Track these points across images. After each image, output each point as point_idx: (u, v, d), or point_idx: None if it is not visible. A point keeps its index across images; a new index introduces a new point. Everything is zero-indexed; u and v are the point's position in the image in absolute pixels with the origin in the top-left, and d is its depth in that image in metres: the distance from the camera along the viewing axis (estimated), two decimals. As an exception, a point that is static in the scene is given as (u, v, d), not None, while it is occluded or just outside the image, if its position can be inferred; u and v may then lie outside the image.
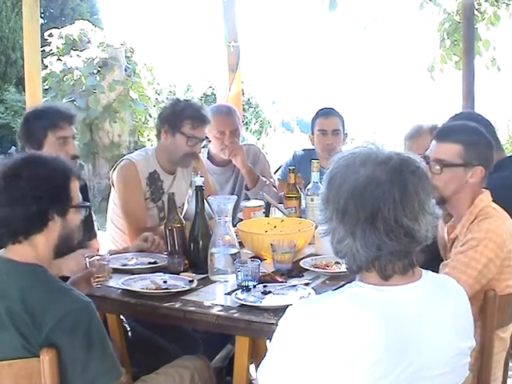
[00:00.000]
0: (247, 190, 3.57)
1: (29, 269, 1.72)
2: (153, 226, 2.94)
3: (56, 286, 1.73)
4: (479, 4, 6.19)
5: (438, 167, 2.12)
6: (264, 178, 3.59)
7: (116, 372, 1.73)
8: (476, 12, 5.91)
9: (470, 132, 2.19)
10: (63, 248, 1.85)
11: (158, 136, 3.08)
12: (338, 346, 1.31)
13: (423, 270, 1.46)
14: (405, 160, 1.38)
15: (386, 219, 1.32)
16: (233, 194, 3.53)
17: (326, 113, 3.64)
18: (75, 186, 1.83)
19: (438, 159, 2.13)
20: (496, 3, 6.25)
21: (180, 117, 2.98)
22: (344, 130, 3.65)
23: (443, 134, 2.21)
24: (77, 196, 1.83)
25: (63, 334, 1.63)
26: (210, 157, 3.62)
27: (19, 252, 1.74)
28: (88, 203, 1.98)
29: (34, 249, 1.75)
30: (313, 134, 3.67)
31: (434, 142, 2.21)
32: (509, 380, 2.25)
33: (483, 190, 2.18)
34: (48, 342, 1.63)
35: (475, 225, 2.09)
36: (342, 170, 1.39)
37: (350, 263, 1.40)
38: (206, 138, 3.16)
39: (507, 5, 6.30)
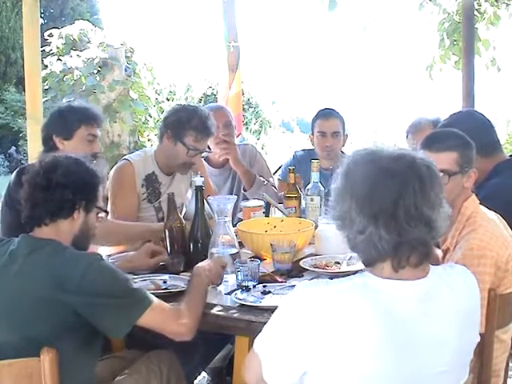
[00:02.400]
0: (245, 191, 3.57)
1: (47, 242, 1.88)
2: None
3: (71, 250, 1.89)
4: (479, 4, 6.18)
5: (445, 178, 2.09)
6: (262, 178, 3.59)
7: (148, 299, 1.87)
8: (476, 12, 5.91)
9: (458, 137, 2.19)
10: (80, 243, 1.97)
11: (160, 138, 3.07)
12: (336, 334, 1.32)
13: (432, 266, 1.46)
14: (417, 157, 1.43)
15: (407, 206, 1.35)
16: (231, 194, 3.53)
17: (326, 114, 3.63)
18: (101, 191, 2.03)
19: (441, 169, 2.06)
20: (496, 3, 6.24)
21: (185, 127, 2.96)
22: (344, 132, 3.64)
23: (435, 142, 2.18)
24: (100, 200, 2.03)
25: (91, 283, 1.77)
26: (206, 158, 3.61)
27: (42, 232, 1.91)
28: (106, 209, 2.14)
29: (57, 231, 1.91)
30: (313, 134, 3.67)
31: (424, 152, 2.13)
32: (509, 380, 2.24)
33: (470, 194, 2.17)
34: (80, 296, 1.76)
35: (464, 238, 2.06)
36: (359, 162, 1.42)
37: (370, 253, 1.39)
38: (208, 147, 3.16)
39: (507, 5, 6.29)
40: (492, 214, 2.15)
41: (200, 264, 2.19)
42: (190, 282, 2.10)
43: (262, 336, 1.44)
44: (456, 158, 2.12)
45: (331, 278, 2.32)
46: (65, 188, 1.89)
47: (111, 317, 1.83)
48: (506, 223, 2.17)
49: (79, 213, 1.93)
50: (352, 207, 1.39)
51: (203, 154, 3.17)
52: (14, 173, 2.71)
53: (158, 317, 1.88)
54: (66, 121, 2.74)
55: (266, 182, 3.59)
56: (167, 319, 1.89)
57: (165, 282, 2.31)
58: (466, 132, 2.41)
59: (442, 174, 2.06)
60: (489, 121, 2.77)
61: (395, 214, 1.35)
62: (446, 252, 2.19)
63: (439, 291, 1.43)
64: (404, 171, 1.38)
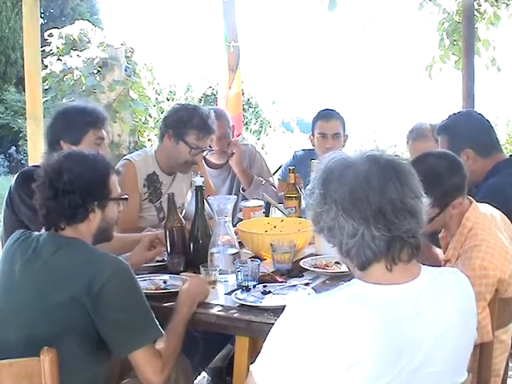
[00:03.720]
0: (243, 191, 3.57)
1: (72, 240, 1.88)
2: (141, 228, 2.92)
3: (97, 251, 1.88)
4: (479, 4, 6.18)
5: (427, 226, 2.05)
6: (260, 178, 3.59)
7: (158, 329, 1.85)
8: (476, 12, 5.91)
9: (426, 181, 2.07)
10: (101, 238, 1.98)
11: (161, 138, 3.07)
12: (335, 347, 1.31)
13: (423, 266, 1.46)
14: (385, 155, 1.45)
15: (392, 201, 1.36)
16: (230, 195, 3.53)
17: (327, 115, 3.61)
18: (114, 180, 1.99)
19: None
20: (496, 3, 6.24)
21: (186, 126, 2.96)
22: (345, 132, 3.64)
23: None
24: (115, 189, 1.99)
25: (109, 293, 1.75)
26: (204, 159, 3.61)
27: (62, 232, 1.90)
28: (126, 196, 2.10)
29: (76, 232, 1.91)
30: (313, 135, 3.66)
31: None
32: (509, 380, 2.24)
33: (468, 201, 2.14)
34: (95, 302, 1.74)
35: (466, 253, 2.02)
36: (337, 166, 1.43)
37: (365, 255, 1.39)
38: (210, 146, 3.15)
39: (507, 5, 6.29)
40: (494, 213, 2.14)
41: (188, 289, 2.11)
42: (178, 314, 2.02)
43: (260, 362, 1.40)
44: (431, 203, 2.02)
45: (331, 278, 2.34)
46: (73, 194, 1.86)
47: (117, 334, 1.81)
48: (508, 221, 2.16)
49: (95, 213, 1.91)
50: (338, 214, 1.38)
51: (204, 153, 3.16)
52: (15, 176, 2.68)
53: (150, 352, 1.82)
54: (73, 125, 2.65)
55: (264, 181, 3.59)
56: (154, 367, 1.83)
57: (165, 282, 2.31)
58: (466, 133, 2.42)
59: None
60: (487, 121, 2.76)
61: (383, 210, 1.36)
62: (446, 262, 2.17)
63: (433, 291, 1.43)
64: (382, 169, 1.39)
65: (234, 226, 2.69)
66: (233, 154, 3.51)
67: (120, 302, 1.79)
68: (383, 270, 1.40)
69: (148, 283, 2.30)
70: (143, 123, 8.43)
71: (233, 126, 3.75)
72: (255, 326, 1.97)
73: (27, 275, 1.83)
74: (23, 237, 1.93)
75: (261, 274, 2.27)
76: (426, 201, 1.43)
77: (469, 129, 2.62)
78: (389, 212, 1.36)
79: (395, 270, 1.40)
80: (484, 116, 2.80)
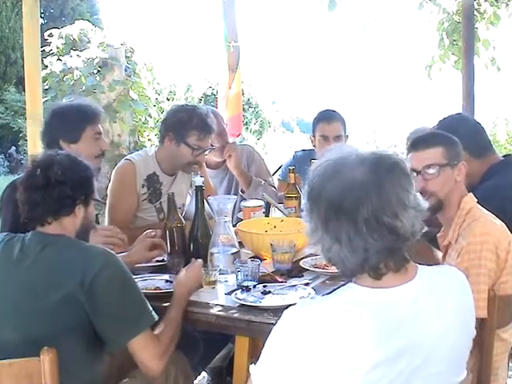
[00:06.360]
0: (243, 192, 3.57)
1: (58, 237, 1.89)
2: (135, 228, 2.94)
3: (84, 244, 1.92)
4: (479, 4, 6.18)
5: (433, 171, 2.17)
6: (259, 179, 3.59)
7: (151, 316, 1.88)
8: (476, 12, 5.90)
9: (441, 135, 2.29)
10: (81, 237, 1.98)
11: (161, 140, 3.06)
12: (334, 350, 1.30)
13: (419, 266, 1.44)
14: (380, 158, 1.37)
15: (366, 220, 1.31)
16: (228, 195, 3.54)
17: (328, 117, 3.59)
18: (95, 183, 2.04)
19: (429, 165, 2.17)
20: (496, 3, 6.24)
21: (186, 127, 2.96)
22: (345, 133, 3.64)
23: (420, 143, 2.26)
24: (96, 192, 2.04)
25: (101, 285, 1.77)
26: None
27: (48, 229, 1.90)
28: (102, 201, 2.16)
29: (61, 229, 1.91)
30: (314, 136, 3.65)
31: (412, 154, 2.23)
32: (509, 380, 2.24)
33: (466, 192, 2.22)
34: (88, 295, 1.76)
35: (466, 229, 2.10)
36: (319, 179, 1.40)
37: (342, 269, 1.40)
38: (211, 145, 3.15)
39: (507, 5, 6.29)
40: (490, 214, 2.16)
41: (184, 277, 2.16)
42: (177, 303, 2.06)
43: (259, 367, 1.40)
44: (442, 151, 2.19)
45: (331, 278, 2.34)
46: (63, 185, 1.88)
47: (112, 325, 1.81)
48: (502, 223, 2.18)
49: (80, 208, 1.93)
50: (318, 226, 1.38)
51: (206, 152, 3.16)
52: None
53: (147, 338, 1.84)
54: (70, 123, 2.66)
55: (263, 182, 3.58)
56: (153, 352, 1.85)
57: (165, 282, 2.31)
58: (460, 137, 2.43)
59: (431, 168, 2.17)
60: (479, 123, 2.80)
61: (357, 228, 1.32)
62: (447, 247, 2.20)
63: (431, 291, 1.42)
64: (361, 181, 1.33)
65: (234, 225, 2.69)
66: (230, 156, 3.52)
67: (113, 293, 1.80)
68: (371, 278, 1.39)
69: (148, 283, 2.30)
70: (143, 123, 8.43)
71: (226, 124, 3.77)
72: (255, 325, 1.98)
73: (16, 275, 1.83)
74: (7, 238, 1.93)
75: (261, 273, 2.27)
76: (412, 212, 1.36)
77: (462, 132, 2.62)
78: (363, 232, 1.32)
79: (385, 277, 1.38)
80: (474, 118, 2.83)
